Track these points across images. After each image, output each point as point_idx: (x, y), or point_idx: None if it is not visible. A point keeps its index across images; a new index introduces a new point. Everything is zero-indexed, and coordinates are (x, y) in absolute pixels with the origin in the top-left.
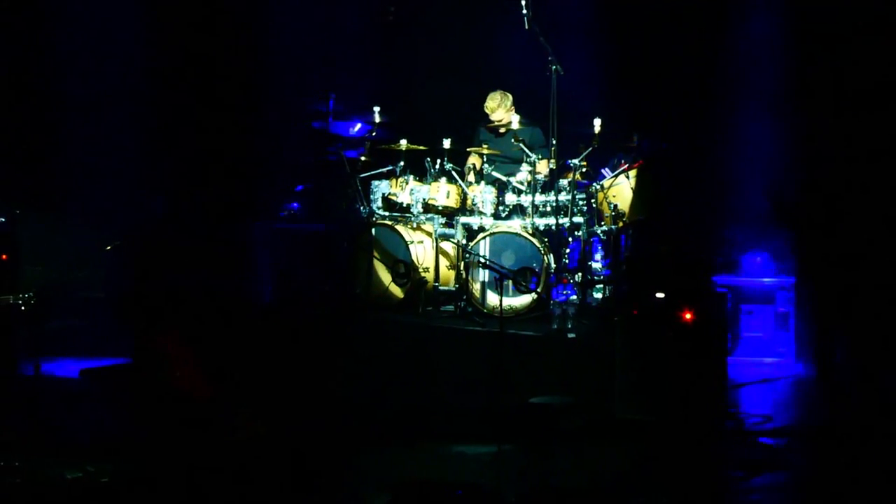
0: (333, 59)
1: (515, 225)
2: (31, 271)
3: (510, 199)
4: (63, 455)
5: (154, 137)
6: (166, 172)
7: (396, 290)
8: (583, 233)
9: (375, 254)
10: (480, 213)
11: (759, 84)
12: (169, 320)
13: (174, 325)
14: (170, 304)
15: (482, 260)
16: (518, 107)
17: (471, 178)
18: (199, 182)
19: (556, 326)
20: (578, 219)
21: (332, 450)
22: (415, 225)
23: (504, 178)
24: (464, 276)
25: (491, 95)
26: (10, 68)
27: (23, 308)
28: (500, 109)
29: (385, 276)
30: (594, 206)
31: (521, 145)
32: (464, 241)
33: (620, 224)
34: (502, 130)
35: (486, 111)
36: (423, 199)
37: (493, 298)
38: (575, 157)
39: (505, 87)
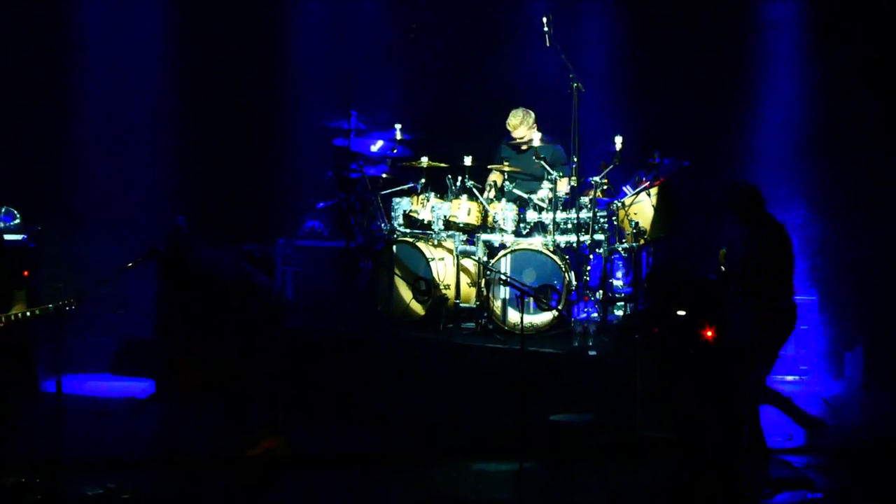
0: (355, 76)
1: (536, 242)
2: (53, 287)
3: (531, 216)
4: (84, 472)
5: (176, 153)
6: (189, 189)
7: (417, 307)
8: (604, 250)
9: (396, 271)
10: (501, 230)
11: (780, 101)
12: (194, 336)
13: (198, 340)
14: (195, 321)
15: (503, 277)
16: (539, 124)
17: (492, 195)
18: (222, 198)
19: (577, 344)
20: (599, 236)
21: (354, 466)
22: (436, 242)
23: (525, 196)
24: (485, 293)
25: (513, 112)
26: (34, 83)
27: (68, 309)
28: (522, 126)
29: (406, 293)
30: (615, 223)
31: (543, 163)
32: (485, 259)
33: (642, 241)
34: (524, 147)
35: (509, 128)
36: (445, 217)
37: (514, 316)
38: (596, 175)
39: (526, 105)
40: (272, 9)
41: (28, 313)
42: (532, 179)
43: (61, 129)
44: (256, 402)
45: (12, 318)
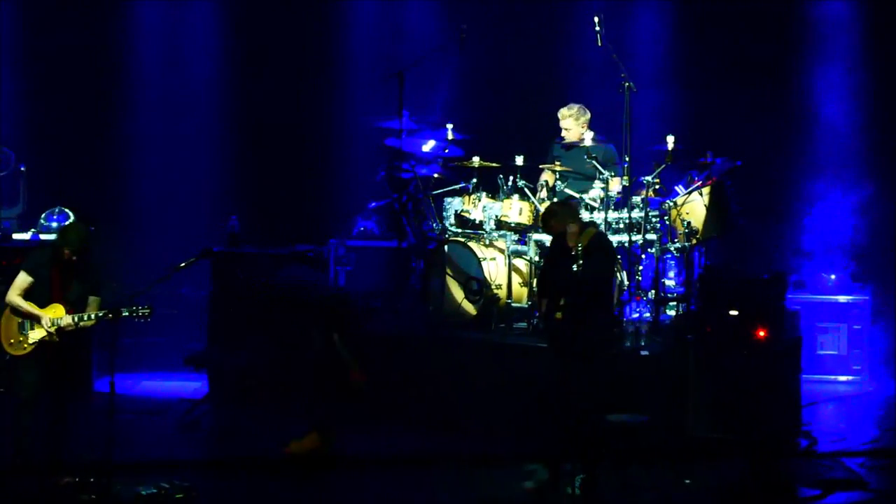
0: (407, 76)
1: None
2: (108, 287)
3: (583, 216)
4: (137, 472)
5: (229, 155)
6: (242, 190)
7: (469, 307)
8: (656, 250)
9: (448, 271)
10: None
11: (836, 102)
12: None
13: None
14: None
15: None
16: (592, 124)
17: (543, 194)
18: (274, 199)
19: (629, 344)
20: (651, 236)
21: (405, 467)
22: (487, 242)
23: (577, 196)
24: (536, 292)
25: (570, 105)
26: (91, 86)
27: (142, 320)
28: (570, 119)
29: (458, 293)
30: (667, 223)
31: (594, 162)
32: (536, 258)
33: (694, 241)
34: (569, 137)
35: (559, 116)
36: (496, 216)
37: None
38: (648, 175)
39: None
40: (324, 9)
41: (101, 315)
42: (584, 179)
43: (116, 131)
44: (306, 404)
45: (87, 319)
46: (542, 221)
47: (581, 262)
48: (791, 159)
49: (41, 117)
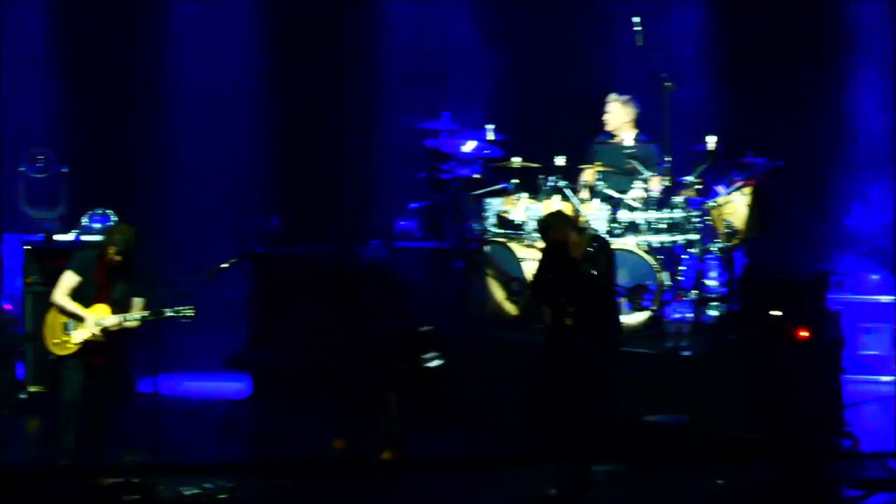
0: (446, 77)
1: (630, 242)
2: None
3: (624, 216)
4: (181, 473)
5: (270, 155)
6: (283, 190)
7: (510, 308)
8: (697, 250)
9: (489, 272)
10: (594, 230)
11: (877, 98)
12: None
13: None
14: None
15: None
16: (634, 123)
17: (584, 195)
18: (315, 200)
19: (670, 344)
20: (693, 236)
21: (444, 469)
22: (528, 242)
23: (617, 195)
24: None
25: (615, 96)
26: (128, 85)
27: (186, 320)
28: (616, 104)
29: (499, 293)
30: (708, 223)
31: (635, 162)
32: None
33: (735, 241)
34: (609, 125)
35: (606, 100)
36: (537, 217)
37: None
38: (689, 175)
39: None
40: (364, 9)
41: (145, 316)
42: (625, 179)
43: (155, 131)
44: (350, 403)
45: (131, 319)
46: (540, 232)
47: (586, 267)
48: (832, 158)
49: (81, 118)
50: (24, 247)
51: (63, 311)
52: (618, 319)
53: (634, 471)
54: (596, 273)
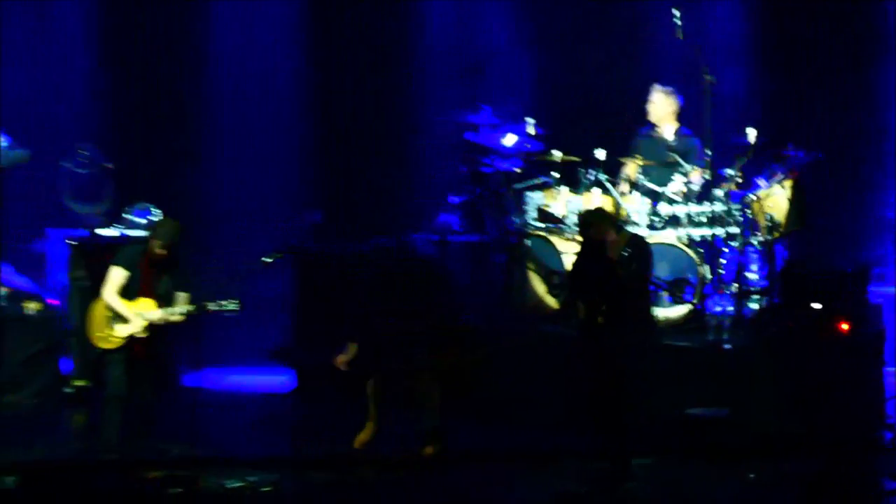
0: (487, 70)
1: (670, 236)
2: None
3: (664, 209)
4: (224, 466)
5: (311, 150)
6: (324, 185)
7: (551, 301)
8: (738, 243)
9: (530, 265)
10: (634, 223)
11: None
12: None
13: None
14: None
15: None
16: (676, 116)
17: (624, 188)
18: (356, 194)
19: (711, 338)
20: (734, 229)
21: (485, 463)
22: (569, 236)
23: (658, 189)
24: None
25: (659, 88)
26: (170, 79)
27: (230, 314)
28: (660, 94)
29: (539, 286)
30: (749, 216)
31: (676, 155)
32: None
33: (776, 234)
34: (651, 114)
35: (652, 90)
36: (578, 210)
37: None
38: (730, 167)
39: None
40: (404, 6)
41: (190, 310)
42: (665, 172)
43: (196, 126)
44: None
45: (176, 313)
46: (580, 228)
47: (622, 268)
48: (873, 150)
49: (125, 114)
50: (69, 242)
51: (109, 305)
52: (650, 320)
53: (675, 464)
54: (630, 275)
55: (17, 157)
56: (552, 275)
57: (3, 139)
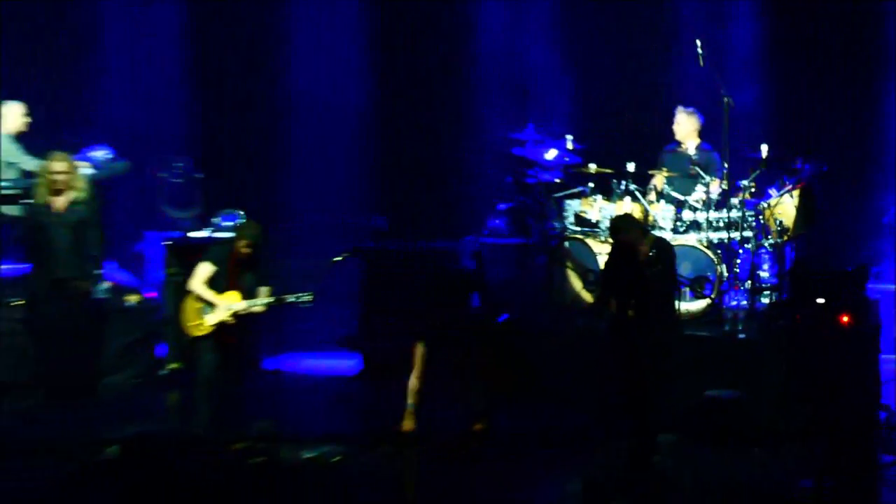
0: (531, 92)
1: (692, 239)
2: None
3: (687, 215)
4: (299, 441)
5: (377, 161)
6: (387, 191)
7: (586, 296)
8: (752, 245)
9: (568, 264)
10: (660, 228)
11: None
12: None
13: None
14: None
15: None
16: (697, 133)
17: (652, 196)
18: (415, 200)
19: (727, 328)
20: (748, 233)
21: (526, 439)
22: (603, 238)
23: (682, 198)
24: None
25: (682, 109)
26: (252, 100)
27: (304, 305)
28: (683, 115)
29: (577, 283)
30: (762, 221)
31: (697, 168)
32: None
33: (785, 238)
34: (678, 133)
35: (676, 112)
36: (610, 216)
37: None
38: (745, 179)
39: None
40: (459, 29)
41: (270, 301)
42: (688, 183)
43: (277, 138)
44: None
45: (258, 304)
46: (611, 233)
47: (648, 267)
48: (871, 164)
49: (214, 128)
50: (165, 243)
51: (199, 297)
52: (674, 313)
53: (695, 440)
54: (656, 273)
55: (119, 168)
56: (587, 273)
57: (107, 152)
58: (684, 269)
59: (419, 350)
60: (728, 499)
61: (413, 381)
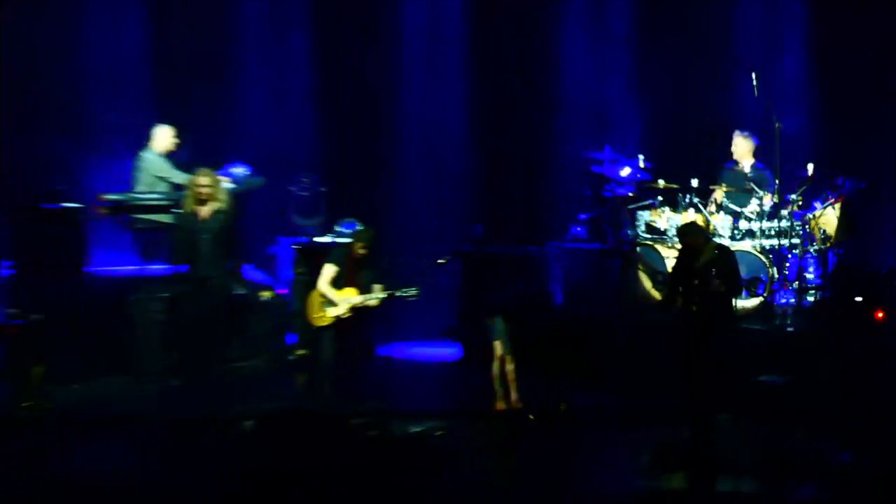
0: (609, 117)
1: (747, 245)
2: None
3: (743, 225)
4: (409, 417)
5: (476, 174)
6: (485, 203)
7: (656, 294)
8: (799, 251)
9: (640, 266)
10: (720, 235)
11: None
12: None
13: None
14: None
15: None
16: (752, 153)
17: (712, 208)
18: (507, 209)
19: (778, 323)
20: (796, 240)
21: (602, 417)
22: (670, 245)
23: (738, 210)
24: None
25: (739, 132)
26: (363, 118)
27: (412, 300)
28: (740, 138)
29: (647, 282)
30: (808, 230)
31: (752, 184)
32: None
33: (828, 245)
34: (736, 153)
35: (734, 135)
36: (677, 225)
37: None
38: (793, 193)
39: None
40: (547, 63)
41: (383, 297)
42: (744, 196)
43: (388, 156)
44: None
45: (372, 299)
46: (679, 236)
47: (710, 268)
48: None
49: (332, 147)
50: (294, 246)
51: (322, 293)
52: (731, 309)
53: (748, 419)
54: (717, 274)
55: (255, 183)
56: (656, 274)
57: (245, 169)
58: (740, 271)
59: (498, 345)
60: (776, 469)
61: (496, 369)
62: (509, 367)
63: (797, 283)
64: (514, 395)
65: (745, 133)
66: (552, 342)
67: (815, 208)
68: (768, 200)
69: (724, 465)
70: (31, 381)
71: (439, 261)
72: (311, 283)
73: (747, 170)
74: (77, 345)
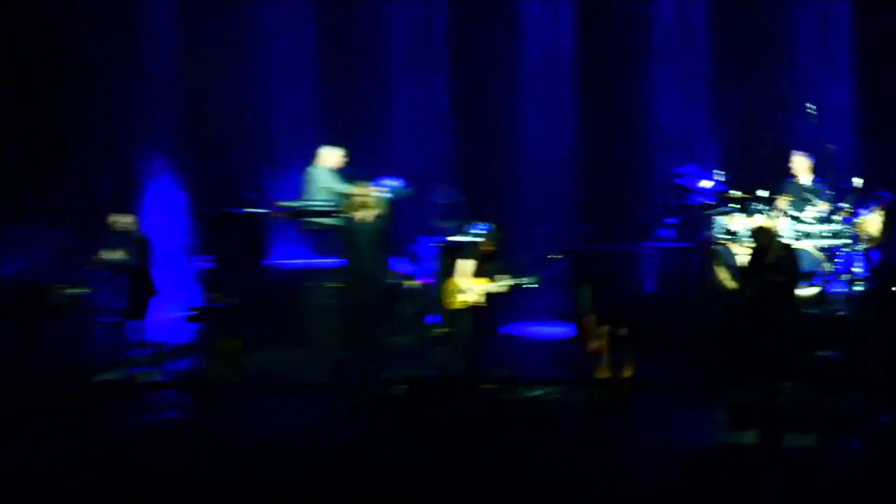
0: (692, 137)
1: (806, 244)
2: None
3: (802, 228)
4: (528, 384)
5: (584, 182)
6: (590, 209)
7: (731, 284)
8: (848, 250)
9: (717, 261)
10: (784, 236)
11: None
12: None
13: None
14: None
15: None
16: (810, 169)
17: (778, 214)
18: (610, 215)
19: (831, 309)
20: (846, 241)
21: (690, 391)
22: (742, 244)
23: (798, 215)
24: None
25: (798, 153)
26: (491, 137)
27: (532, 287)
28: (800, 158)
29: (723, 275)
30: (856, 233)
31: (810, 194)
32: None
33: (872, 244)
34: (795, 171)
35: (792, 156)
36: (748, 228)
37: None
38: (843, 203)
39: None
40: (640, 92)
41: (508, 285)
42: (803, 204)
43: (511, 165)
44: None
45: (500, 287)
46: (753, 236)
47: (776, 264)
48: None
49: (466, 163)
50: (434, 245)
51: (458, 282)
52: (794, 296)
53: (807, 388)
54: (782, 268)
55: (406, 193)
56: (731, 268)
57: (398, 181)
58: (801, 265)
59: (588, 322)
60: (831, 427)
61: (592, 345)
62: (617, 335)
63: (847, 275)
64: (626, 364)
65: (804, 153)
66: (645, 323)
67: (860, 214)
68: (823, 208)
69: (788, 424)
70: (229, 352)
71: (554, 256)
72: (449, 274)
73: (806, 183)
74: (264, 323)
